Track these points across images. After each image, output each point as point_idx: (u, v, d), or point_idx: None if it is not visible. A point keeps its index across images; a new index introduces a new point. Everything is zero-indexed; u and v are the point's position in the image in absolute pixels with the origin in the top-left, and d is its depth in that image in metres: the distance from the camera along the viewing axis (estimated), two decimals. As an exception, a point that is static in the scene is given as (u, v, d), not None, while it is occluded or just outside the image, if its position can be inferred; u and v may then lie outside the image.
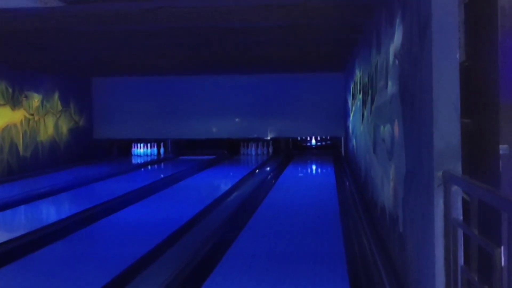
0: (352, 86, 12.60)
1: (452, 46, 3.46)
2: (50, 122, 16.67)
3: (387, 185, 5.91)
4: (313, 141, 19.85)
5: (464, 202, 3.38)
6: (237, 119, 19.14)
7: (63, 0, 6.34)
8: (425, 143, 3.72)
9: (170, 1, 7.78)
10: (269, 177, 14.01)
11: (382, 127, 6.26)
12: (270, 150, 19.61)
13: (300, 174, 14.95)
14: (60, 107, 17.25)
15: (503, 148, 3.67)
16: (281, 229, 7.86)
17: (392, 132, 5.41)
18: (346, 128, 15.62)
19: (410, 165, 4.43)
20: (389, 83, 5.56)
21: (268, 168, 16.03)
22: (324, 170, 15.72)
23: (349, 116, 13.83)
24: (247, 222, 8.31)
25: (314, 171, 16.33)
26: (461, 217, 3.37)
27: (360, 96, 9.84)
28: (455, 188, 3.39)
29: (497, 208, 2.73)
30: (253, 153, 19.59)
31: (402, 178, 4.76)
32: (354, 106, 11.80)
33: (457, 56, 3.47)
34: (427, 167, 3.67)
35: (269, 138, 19.24)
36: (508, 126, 3.67)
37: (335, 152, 18.84)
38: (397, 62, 4.99)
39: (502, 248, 2.69)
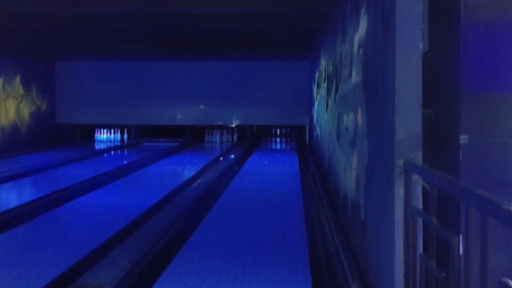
0: (317, 74, 12.64)
1: (415, 36, 3.49)
2: (11, 106, 16.38)
3: (349, 174, 5.95)
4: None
5: (425, 191, 3.43)
6: (201, 106, 19.07)
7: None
8: (387, 132, 3.75)
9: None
10: (233, 164, 14.00)
11: (345, 116, 6.30)
12: (235, 137, 19.60)
13: (264, 162, 14.97)
14: (21, 91, 16.95)
15: (463, 138, 3.73)
16: (244, 217, 7.86)
17: (355, 121, 5.44)
18: (311, 116, 15.69)
19: (372, 154, 4.47)
20: (353, 72, 5.58)
21: (232, 156, 16.03)
22: (288, 158, 15.77)
23: (314, 104, 13.88)
24: (209, 209, 8.30)
25: (278, 159, 16.37)
26: (421, 206, 3.42)
27: (325, 85, 9.88)
28: (415, 177, 3.44)
29: (456, 197, 2.78)
30: (218, 140, 19.56)
31: (364, 167, 4.80)
32: (319, 95, 11.84)
33: (420, 47, 3.50)
34: (388, 156, 3.71)
35: (234, 125, 19.23)
36: (468, 117, 3.72)
37: (299, 140, 18.93)
38: (361, 51, 5.02)
39: (460, 236, 2.73)
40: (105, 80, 19.03)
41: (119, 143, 19.62)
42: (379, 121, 4.12)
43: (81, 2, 8.50)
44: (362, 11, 4.91)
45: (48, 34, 12.13)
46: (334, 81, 7.83)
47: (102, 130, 19.96)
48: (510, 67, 3.70)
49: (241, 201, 9.08)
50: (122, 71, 18.96)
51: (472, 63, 3.71)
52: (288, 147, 18.41)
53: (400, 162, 3.52)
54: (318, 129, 12.06)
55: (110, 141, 19.82)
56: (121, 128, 19.99)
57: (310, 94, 16.12)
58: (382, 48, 3.93)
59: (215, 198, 9.23)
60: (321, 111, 10.94)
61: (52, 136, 18.64)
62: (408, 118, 3.51)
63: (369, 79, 4.59)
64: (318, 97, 12.31)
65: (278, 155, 17.20)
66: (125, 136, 20.10)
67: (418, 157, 3.52)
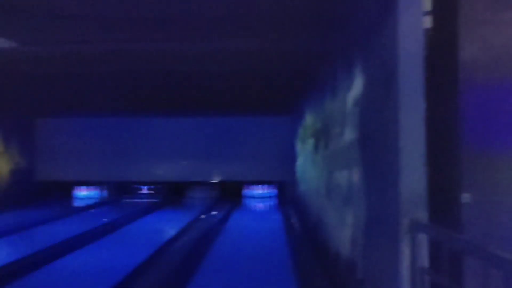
0: (301, 130, 12.72)
1: (418, 97, 3.55)
2: (-11, 163, 16.19)
3: (343, 231, 5.93)
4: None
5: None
6: (183, 162, 19.02)
7: (17, 41, 6.23)
8: (391, 190, 3.76)
9: (123, 44, 7.75)
10: (215, 222, 13.87)
11: (337, 173, 6.32)
12: (216, 193, 19.50)
13: (248, 219, 14.87)
14: (1, 148, 16.78)
15: (465, 197, 3.76)
16: (232, 278, 7.72)
17: (350, 178, 5.46)
18: (294, 172, 15.70)
19: (372, 212, 4.47)
20: (346, 130, 5.64)
21: (215, 213, 15.90)
22: (271, 215, 15.70)
23: (297, 160, 13.92)
24: (195, 270, 8.15)
25: (261, 216, 16.29)
26: (427, 265, 3.42)
27: (311, 141, 9.93)
28: (421, 236, 3.44)
29: (473, 257, 2.78)
30: (199, 196, 19.44)
31: (363, 225, 4.80)
32: (304, 150, 11.89)
33: (423, 107, 3.56)
34: (392, 214, 3.71)
35: (215, 181, 19.16)
36: (470, 175, 3.76)
37: (281, 196, 18.87)
38: (356, 110, 5.08)
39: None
40: (87, 137, 18.95)
41: (98, 200, 19.39)
42: (380, 179, 4.13)
43: (64, 61, 8.51)
44: (357, 71, 4.99)
45: (32, 92, 12.12)
46: (323, 138, 7.88)
47: (81, 186, 19.74)
48: (509, 125, 3.77)
49: (228, 261, 8.93)
50: (103, 128, 18.92)
51: (471, 122, 3.78)
52: (271, 203, 18.34)
53: (406, 221, 3.52)
54: (303, 185, 12.06)
55: (90, 198, 19.59)
56: (101, 184, 19.80)
57: (292, 149, 16.18)
58: (383, 108, 3.98)
59: (200, 258, 9.09)
60: (307, 167, 10.96)
61: (32, 193, 18.38)
62: (413, 177, 3.54)
63: (367, 137, 4.63)
64: (302, 153, 12.36)
65: (261, 212, 17.11)
66: (105, 192, 19.89)
67: (423, 216, 3.53)
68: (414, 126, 3.53)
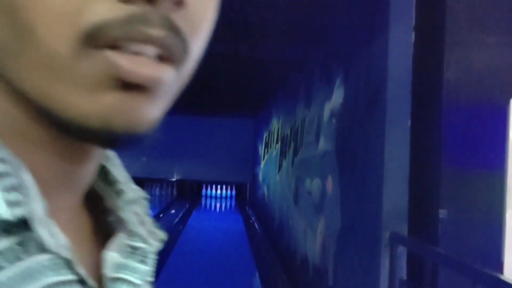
0: (266, 134, 12.78)
1: (404, 114, 3.65)
2: None
3: (312, 238, 6.01)
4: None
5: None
6: (143, 158, 18.88)
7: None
8: (371, 203, 3.85)
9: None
10: (176, 221, 13.83)
11: (308, 180, 6.40)
12: (175, 191, 19.44)
13: (207, 219, 14.88)
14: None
15: (442, 213, 3.87)
16: (196, 283, 7.71)
17: (323, 186, 5.55)
18: (255, 174, 15.77)
19: (346, 222, 4.56)
20: (322, 139, 5.72)
21: (173, 211, 15.86)
22: (231, 215, 15.73)
23: (260, 163, 13.98)
24: (158, 270, 8.10)
25: (221, 216, 16.30)
26: (405, 277, 3.53)
27: (278, 146, 10.01)
28: (401, 249, 3.55)
29: (458, 273, 2.88)
30: (157, 193, 19.35)
31: (335, 233, 4.88)
32: (268, 154, 11.96)
33: (409, 124, 3.66)
34: (373, 226, 3.80)
35: (174, 179, 19.09)
36: (448, 192, 3.87)
37: (239, 198, 18.93)
38: (334, 120, 5.16)
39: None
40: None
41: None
42: (358, 191, 4.22)
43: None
44: (337, 82, 5.08)
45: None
46: (293, 144, 7.96)
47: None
48: (488, 145, 3.90)
49: (190, 265, 8.88)
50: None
51: (452, 140, 3.89)
52: (229, 204, 18.38)
53: (386, 234, 3.62)
54: (265, 188, 12.14)
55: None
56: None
57: (254, 152, 16.25)
58: (365, 121, 4.07)
59: (163, 258, 9.03)
60: (271, 171, 11.03)
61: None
62: (395, 191, 3.63)
63: (345, 148, 4.72)
64: (266, 156, 12.43)
65: (220, 212, 17.13)
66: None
67: (403, 229, 3.63)
68: (399, 141, 3.63)
